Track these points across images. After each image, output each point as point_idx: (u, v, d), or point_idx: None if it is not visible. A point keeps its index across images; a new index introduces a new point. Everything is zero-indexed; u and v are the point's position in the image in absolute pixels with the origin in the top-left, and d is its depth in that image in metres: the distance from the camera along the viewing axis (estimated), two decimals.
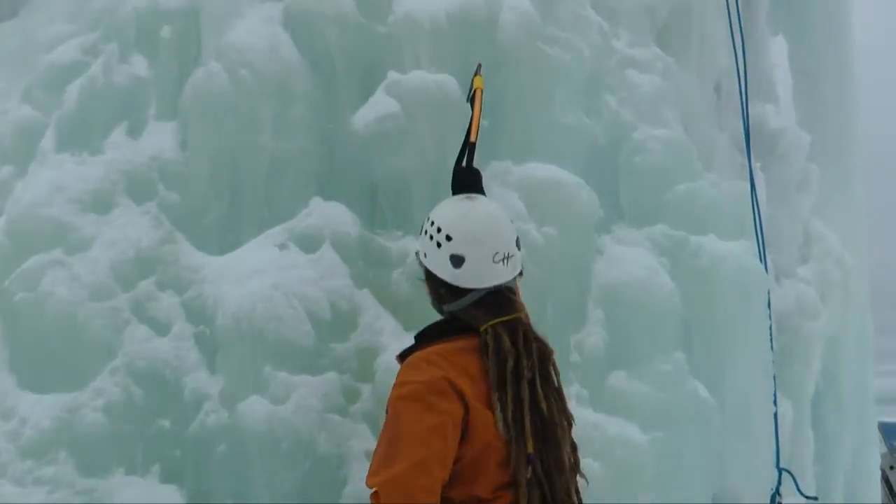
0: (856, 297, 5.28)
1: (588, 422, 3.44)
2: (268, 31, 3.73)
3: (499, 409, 2.46)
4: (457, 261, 2.58)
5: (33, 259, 3.48)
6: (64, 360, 3.32)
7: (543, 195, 3.60)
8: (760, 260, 4.14)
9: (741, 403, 3.92)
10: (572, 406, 3.42)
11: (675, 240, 3.90)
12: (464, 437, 2.45)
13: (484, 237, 2.59)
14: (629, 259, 3.74)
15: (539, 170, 3.65)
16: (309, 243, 3.44)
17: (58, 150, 3.80)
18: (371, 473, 2.41)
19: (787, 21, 5.52)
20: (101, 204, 3.58)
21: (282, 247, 3.44)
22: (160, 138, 3.73)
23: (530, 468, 2.46)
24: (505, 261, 2.60)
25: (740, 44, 4.67)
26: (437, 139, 3.52)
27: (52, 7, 4.48)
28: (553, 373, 2.62)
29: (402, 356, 2.66)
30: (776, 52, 5.49)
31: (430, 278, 2.69)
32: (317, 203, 3.56)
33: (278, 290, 3.29)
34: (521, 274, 2.70)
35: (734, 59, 4.69)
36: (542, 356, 2.60)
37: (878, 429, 6.47)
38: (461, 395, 2.44)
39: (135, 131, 3.78)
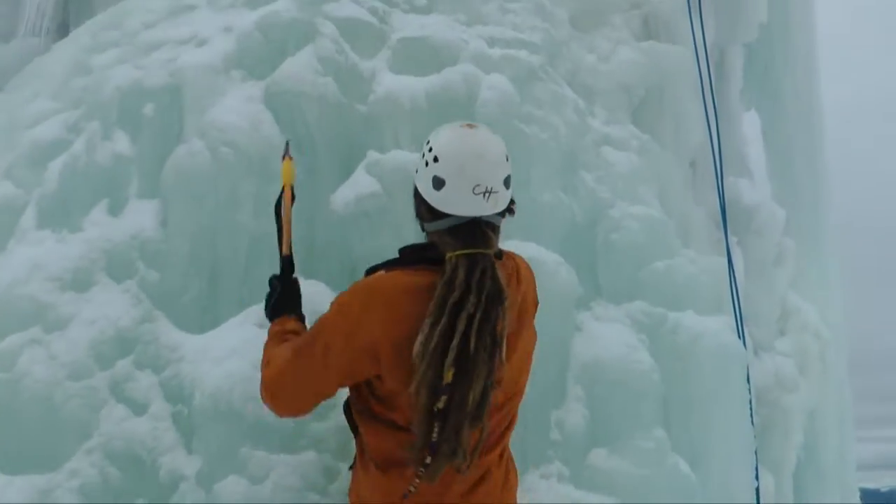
0: (834, 368, 5.34)
1: (570, 499, 3.42)
2: (249, 110, 3.79)
3: (422, 336, 2.50)
4: (438, 183, 2.62)
5: (11, 338, 3.46)
6: (39, 441, 3.28)
7: None
8: (738, 335, 4.17)
9: (722, 479, 3.89)
10: (552, 483, 3.44)
11: (654, 316, 3.92)
12: (383, 367, 2.57)
13: (468, 167, 2.60)
14: (608, 336, 3.76)
15: (518, 248, 3.66)
16: None
17: (38, 228, 3.81)
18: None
19: (759, 97, 5.70)
20: (80, 282, 3.58)
21: (261, 326, 3.42)
22: (141, 216, 3.75)
23: (443, 398, 2.48)
24: (486, 195, 2.60)
25: (714, 120, 4.79)
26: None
27: (36, 84, 4.55)
28: (499, 316, 2.57)
29: (371, 270, 2.76)
30: (749, 127, 5.64)
31: (416, 195, 2.74)
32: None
33: (257, 370, 3.26)
34: (509, 212, 2.72)
35: (708, 135, 4.80)
36: (492, 297, 2.55)
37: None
38: (372, 345, 2.57)
39: (115, 209, 3.80)
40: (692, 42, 4.83)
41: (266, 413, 3.20)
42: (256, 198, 3.67)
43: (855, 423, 5.81)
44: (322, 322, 2.72)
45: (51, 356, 3.39)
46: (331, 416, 3.31)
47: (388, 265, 2.75)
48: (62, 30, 5.34)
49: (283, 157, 3.25)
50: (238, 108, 3.79)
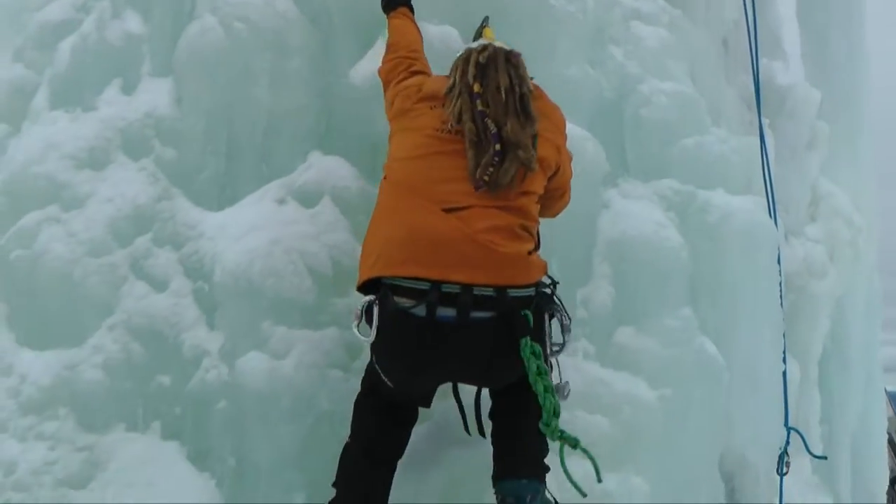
0: (865, 257, 5.21)
1: (595, 377, 3.39)
2: None
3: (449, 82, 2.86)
4: None
5: (29, 216, 3.45)
6: (62, 317, 3.30)
7: None
8: (770, 216, 4.06)
9: (749, 361, 3.86)
10: (578, 361, 3.41)
11: (683, 194, 3.81)
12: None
13: None
14: (636, 213, 3.67)
15: None
16: (308, 198, 3.38)
17: (51, 108, 3.76)
18: None
19: None
20: (96, 161, 3.53)
21: (280, 202, 3.38)
22: (154, 95, 3.67)
23: (479, 101, 2.77)
24: None
25: None
26: None
27: None
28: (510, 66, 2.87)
29: None
30: (784, 6, 5.38)
31: None
32: (316, 157, 3.49)
33: (277, 246, 3.23)
34: None
35: (743, 12, 4.58)
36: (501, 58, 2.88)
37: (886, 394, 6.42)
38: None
39: (129, 88, 3.73)
40: None
41: (286, 289, 3.19)
42: (271, 73, 3.57)
43: (884, 326, 5.73)
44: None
45: (69, 234, 3.37)
46: (352, 293, 3.26)
47: None
48: None
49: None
50: None
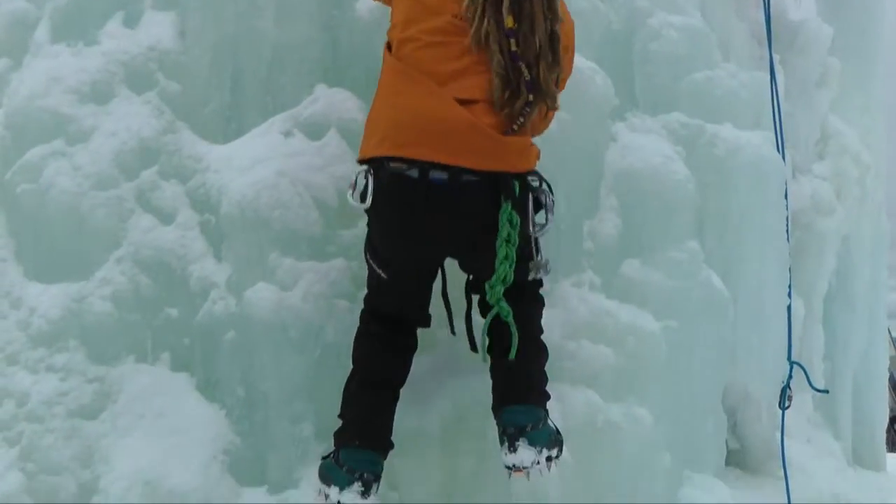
0: (872, 196, 5.17)
1: (600, 309, 3.40)
2: None
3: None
4: None
5: (33, 150, 3.44)
6: (69, 250, 3.31)
7: None
8: (778, 150, 4.03)
9: (755, 295, 3.87)
10: (584, 292, 3.42)
11: (691, 128, 3.79)
12: None
13: None
14: (644, 146, 3.65)
15: None
16: (314, 130, 3.35)
17: (52, 42, 3.72)
18: None
19: None
20: (99, 94, 3.51)
21: (286, 134, 3.36)
22: (158, 28, 3.62)
23: (512, 40, 2.72)
24: None
25: None
26: None
27: None
28: None
29: None
30: None
31: None
32: (321, 90, 3.46)
33: (283, 178, 3.22)
34: None
35: None
36: None
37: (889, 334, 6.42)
38: None
39: (131, 21, 3.68)
40: None
41: (293, 221, 3.19)
42: (277, 5, 3.52)
43: (891, 271, 5.70)
44: None
45: (75, 168, 3.37)
46: (359, 224, 3.27)
47: None
48: None
49: None
50: None
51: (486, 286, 2.72)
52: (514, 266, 2.73)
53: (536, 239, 2.87)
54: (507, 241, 2.71)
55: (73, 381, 3.15)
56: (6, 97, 3.68)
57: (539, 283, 3.01)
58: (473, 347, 3.01)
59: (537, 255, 2.87)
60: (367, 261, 2.92)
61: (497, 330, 2.84)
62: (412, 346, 2.99)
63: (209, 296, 3.22)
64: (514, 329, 2.75)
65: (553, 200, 2.89)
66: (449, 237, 2.84)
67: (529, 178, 2.83)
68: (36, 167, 3.39)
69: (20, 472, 3.05)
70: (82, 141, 3.42)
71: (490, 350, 2.91)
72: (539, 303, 3.01)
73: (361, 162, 2.87)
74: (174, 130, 3.44)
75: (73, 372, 3.16)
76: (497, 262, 2.70)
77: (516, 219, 2.73)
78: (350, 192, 2.85)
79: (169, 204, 3.33)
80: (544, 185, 2.88)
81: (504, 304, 2.74)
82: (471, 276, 3.00)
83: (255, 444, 3.16)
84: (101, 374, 3.18)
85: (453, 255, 2.97)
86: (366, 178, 2.78)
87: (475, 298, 3.00)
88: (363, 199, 2.78)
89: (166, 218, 3.32)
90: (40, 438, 3.08)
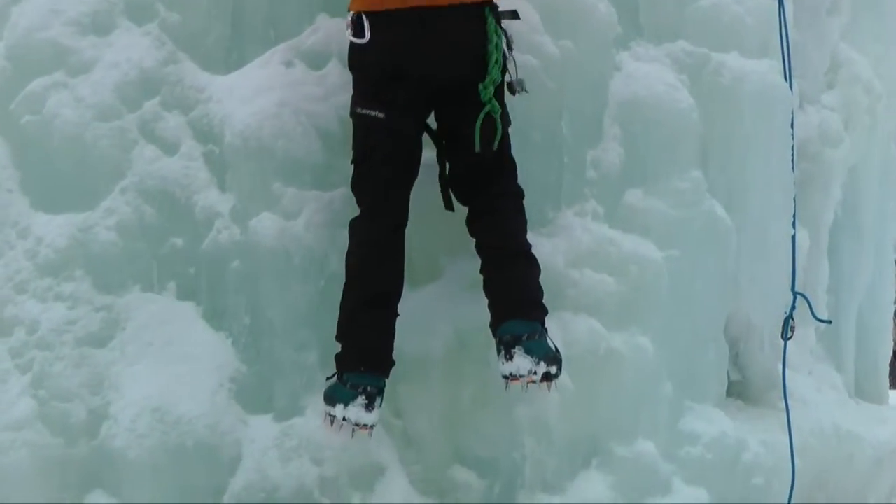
0: (882, 125, 5.10)
1: (603, 237, 3.42)
2: None
3: None
4: None
5: (36, 82, 3.42)
6: (74, 181, 3.32)
7: (560, 7, 3.45)
8: (785, 79, 3.98)
9: (759, 225, 3.86)
10: (587, 221, 3.43)
11: (696, 56, 3.74)
12: None
13: None
14: (648, 75, 3.61)
15: None
16: (316, 60, 3.34)
17: None
18: None
19: None
20: (100, 26, 3.48)
21: (288, 64, 3.34)
22: None
23: None
24: None
25: None
26: None
27: None
28: None
29: None
30: None
31: None
32: (323, 20, 3.44)
33: (285, 108, 3.22)
34: None
35: None
36: None
37: None
38: None
39: None
40: None
41: (296, 150, 3.20)
42: None
43: None
44: None
45: (77, 99, 3.36)
46: None
47: None
48: None
49: None
50: None
51: (480, 87, 2.95)
52: (500, 68, 3.00)
53: (506, 61, 3.06)
54: (496, 48, 2.99)
55: (80, 310, 3.19)
56: (6, 30, 3.65)
57: (520, 193, 3.08)
58: (449, 206, 3.14)
59: (514, 76, 3.08)
60: (358, 114, 3.02)
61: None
62: (411, 179, 3.08)
63: (214, 225, 3.25)
64: (499, 125, 2.98)
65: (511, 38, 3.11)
66: (440, 57, 2.97)
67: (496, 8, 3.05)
68: (39, 98, 3.39)
69: (32, 398, 3.11)
70: (84, 72, 3.40)
71: (481, 270, 3.00)
72: (523, 215, 3.06)
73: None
74: (176, 61, 3.42)
75: (80, 301, 3.20)
76: (490, 64, 2.97)
77: (500, 30, 3.01)
78: (348, 31, 3.03)
79: (172, 134, 3.33)
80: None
81: (495, 102, 2.98)
82: (444, 141, 3.12)
83: (261, 371, 3.21)
84: (109, 302, 3.22)
85: (445, 73, 3.01)
86: (360, 19, 2.97)
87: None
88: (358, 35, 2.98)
89: (170, 148, 3.32)
90: (51, 365, 3.14)
